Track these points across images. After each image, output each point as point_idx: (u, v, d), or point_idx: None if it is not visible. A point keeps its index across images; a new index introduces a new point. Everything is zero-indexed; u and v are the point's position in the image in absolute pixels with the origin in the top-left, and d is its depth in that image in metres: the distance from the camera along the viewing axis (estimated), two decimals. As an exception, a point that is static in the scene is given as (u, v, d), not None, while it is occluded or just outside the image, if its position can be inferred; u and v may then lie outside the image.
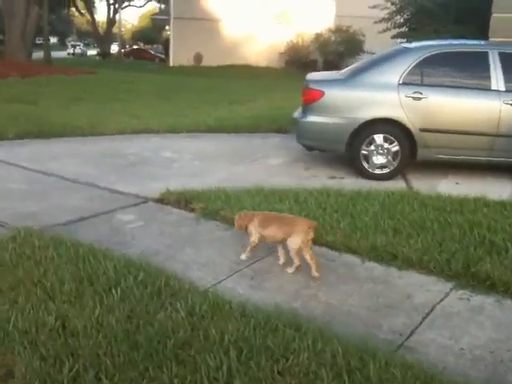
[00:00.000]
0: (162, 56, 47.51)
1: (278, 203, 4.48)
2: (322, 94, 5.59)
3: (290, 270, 3.41)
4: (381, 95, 5.58)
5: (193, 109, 10.56)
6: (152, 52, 52.04)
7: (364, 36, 26.51)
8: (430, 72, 5.62)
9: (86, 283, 3.01)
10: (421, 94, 5.48)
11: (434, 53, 5.66)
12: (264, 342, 2.49)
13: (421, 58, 5.59)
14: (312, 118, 5.70)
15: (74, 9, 53.14)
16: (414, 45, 6.04)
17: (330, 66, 26.68)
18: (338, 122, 5.61)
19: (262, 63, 27.36)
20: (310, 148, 6.16)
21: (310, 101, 5.66)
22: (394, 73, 5.59)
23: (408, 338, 2.77)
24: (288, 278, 3.35)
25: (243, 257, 3.57)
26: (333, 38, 26.84)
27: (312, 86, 5.73)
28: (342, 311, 3.01)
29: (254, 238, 3.48)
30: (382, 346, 2.58)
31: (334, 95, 5.65)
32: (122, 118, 9.11)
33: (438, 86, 5.60)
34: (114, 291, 2.92)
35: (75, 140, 7.50)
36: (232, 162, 6.42)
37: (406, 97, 5.49)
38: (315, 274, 3.33)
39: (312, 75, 6.29)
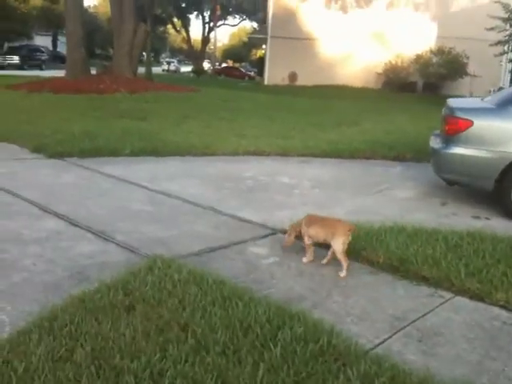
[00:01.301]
0: (252, 74, 48.42)
1: (425, 245, 3.98)
2: (471, 123, 5.00)
3: (342, 274, 3.62)
4: (540, 128, 4.90)
5: (299, 130, 10.25)
6: (242, 70, 53.29)
7: (468, 58, 25.24)
8: None
9: (238, 332, 2.69)
10: None
11: None
12: None
13: None
14: (457, 150, 5.12)
15: (170, 26, 55.81)
16: None
17: (430, 88, 25.63)
18: (487, 155, 5.00)
19: (358, 84, 26.80)
20: (451, 182, 5.56)
21: (456, 130, 5.08)
22: (555, 102, 4.90)
23: None
24: (464, 345, 2.84)
25: (304, 260, 3.84)
26: (434, 60, 25.77)
27: (459, 114, 5.15)
28: (544, 396, 2.45)
29: (306, 239, 3.80)
30: None
31: (484, 125, 5.04)
32: (231, 137, 8.98)
33: None
34: (271, 346, 2.58)
35: (188, 159, 7.43)
36: (356, 191, 5.98)
37: None
38: (340, 274, 3.61)
39: (455, 102, 5.70)
